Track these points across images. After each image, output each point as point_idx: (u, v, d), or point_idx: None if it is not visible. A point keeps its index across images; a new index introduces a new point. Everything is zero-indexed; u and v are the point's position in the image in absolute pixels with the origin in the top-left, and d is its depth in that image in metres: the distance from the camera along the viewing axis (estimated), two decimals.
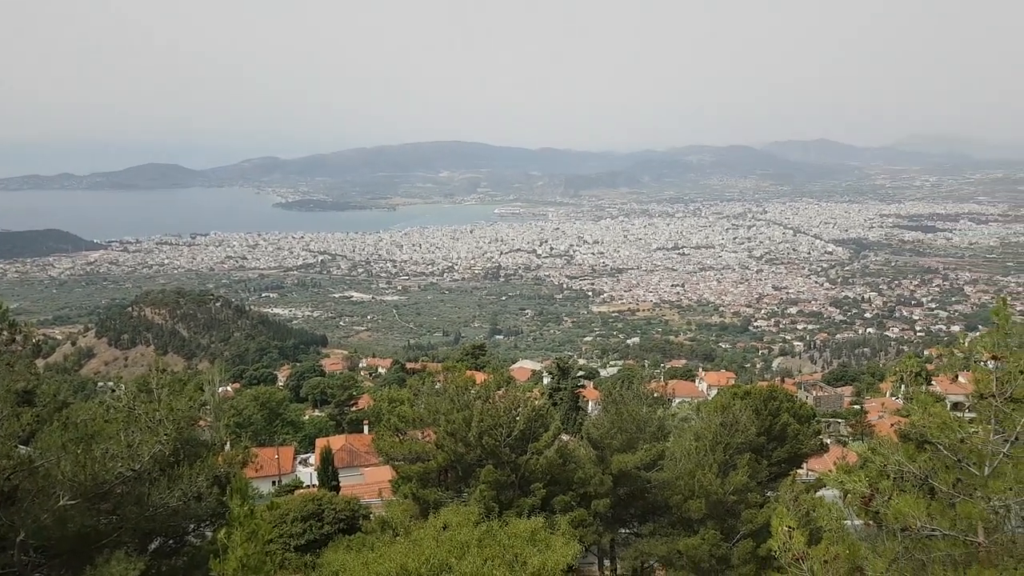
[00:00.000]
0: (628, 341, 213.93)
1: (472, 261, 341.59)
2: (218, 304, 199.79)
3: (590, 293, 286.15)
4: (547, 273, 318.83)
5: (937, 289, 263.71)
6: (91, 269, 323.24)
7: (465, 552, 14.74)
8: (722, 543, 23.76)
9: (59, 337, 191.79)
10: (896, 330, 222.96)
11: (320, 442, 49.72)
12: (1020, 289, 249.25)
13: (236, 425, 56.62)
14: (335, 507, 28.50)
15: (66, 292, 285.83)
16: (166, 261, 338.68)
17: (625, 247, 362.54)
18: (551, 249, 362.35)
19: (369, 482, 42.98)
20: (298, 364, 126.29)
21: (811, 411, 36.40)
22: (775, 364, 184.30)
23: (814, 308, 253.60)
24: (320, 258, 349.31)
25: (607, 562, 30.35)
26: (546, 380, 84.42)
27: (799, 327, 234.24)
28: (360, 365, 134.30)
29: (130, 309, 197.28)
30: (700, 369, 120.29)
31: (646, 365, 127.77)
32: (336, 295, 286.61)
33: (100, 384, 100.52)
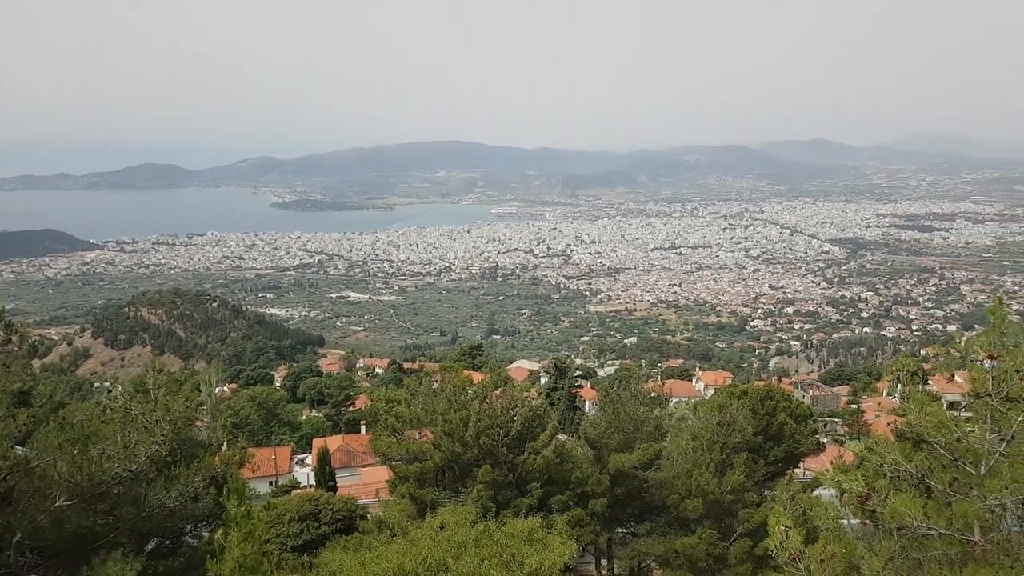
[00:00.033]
0: (625, 341, 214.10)
1: (469, 261, 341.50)
2: (215, 304, 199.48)
3: (587, 293, 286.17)
4: (544, 273, 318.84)
5: (933, 288, 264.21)
6: (87, 269, 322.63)
7: (462, 552, 14.74)
8: (719, 542, 23.79)
9: (55, 337, 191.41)
10: (893, 329, 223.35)
11: (317, 442, 49.70)
12: (1016, 288, 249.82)
13: (233, 425, 56.67)
14: (332, 507, 28.49)
15: (62, 292, 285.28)
16: (163, 261, 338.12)
17: (622, 247, 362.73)
18: (548, 249, 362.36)
19: (366, 482, 42.98)
20: (295, 364, 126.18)
21: (808, 410, 36.48)
22: (772, 364, 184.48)
23: (811, 308, 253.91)
24: (317, 258, 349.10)
25: (604, 561, 30.37)
26: (543, 380, 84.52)
27: (796, 327, 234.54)
28: (357, 365, 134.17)
29: (126, 309, 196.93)
30: (697, 369, 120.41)
31: (643, 365, 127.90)
32: (333, 295, 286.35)
33: (96, 385, 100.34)
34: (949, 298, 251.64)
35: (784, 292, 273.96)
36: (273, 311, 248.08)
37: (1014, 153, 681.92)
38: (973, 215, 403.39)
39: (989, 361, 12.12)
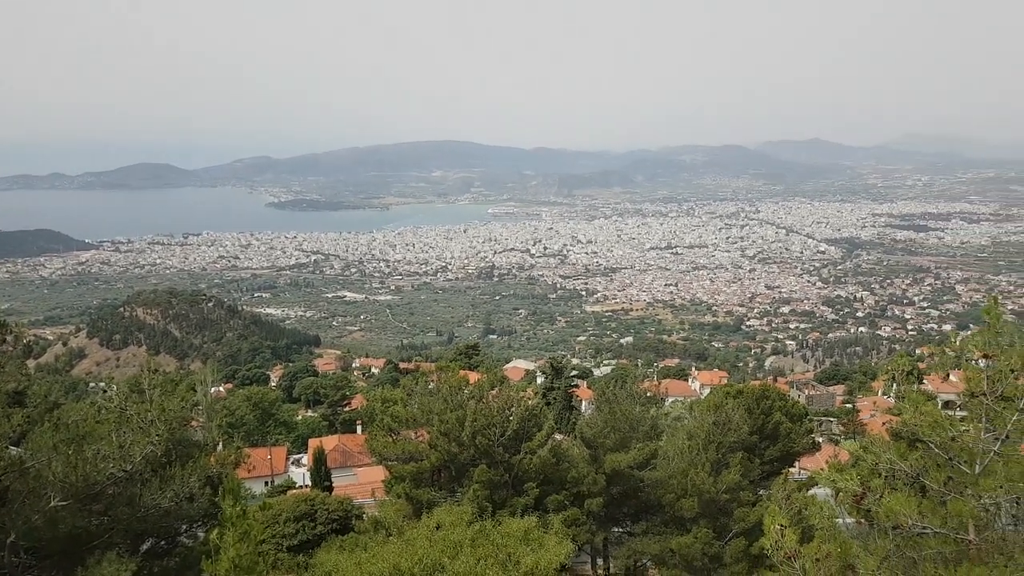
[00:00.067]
0: (621, 340, 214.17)
1: (466, 261, 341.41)
2: (210, 304, 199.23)
3: (583, 293, 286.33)
4: (541, 273, 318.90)
5: (929, 288, 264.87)
6: (82, 269, 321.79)
7: (458, 552, 14.74)
8: (715, 541, 23.83)
9: (50, 337, 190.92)
10: (888, 329, 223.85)
11: (313, 442, 49.64)
12: (1011, 288, 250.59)
13: (228, 425, 56.49)
14: (328, 507, 28.46)
15: (57, 292, 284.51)
16: (158, 261, 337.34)
17: (619, 247, 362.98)
18: (545, 249, 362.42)
19: (362, 482, 43.00)
20: (291, 364, 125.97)
21: (803, 410, 36.55)
22: (767, 363, 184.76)
23: (806, 307, 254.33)
24: (313, 258, 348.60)
25: (600, 561, 30.39)
26: (540, 380, 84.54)
27: (791, 326, 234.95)
28: (353, 365, 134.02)
29: (122, 309, 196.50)
30: (693, 368, 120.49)
31: (639, 364, 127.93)
32: (329, 295, 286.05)
33: (91, 385, 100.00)
34: (944, 298, 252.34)
35: (780, 292, 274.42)
36: (269, 311, 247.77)
37: (1009, 153, 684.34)
38: (969, 215, 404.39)
39: (984, 360, 12.15)
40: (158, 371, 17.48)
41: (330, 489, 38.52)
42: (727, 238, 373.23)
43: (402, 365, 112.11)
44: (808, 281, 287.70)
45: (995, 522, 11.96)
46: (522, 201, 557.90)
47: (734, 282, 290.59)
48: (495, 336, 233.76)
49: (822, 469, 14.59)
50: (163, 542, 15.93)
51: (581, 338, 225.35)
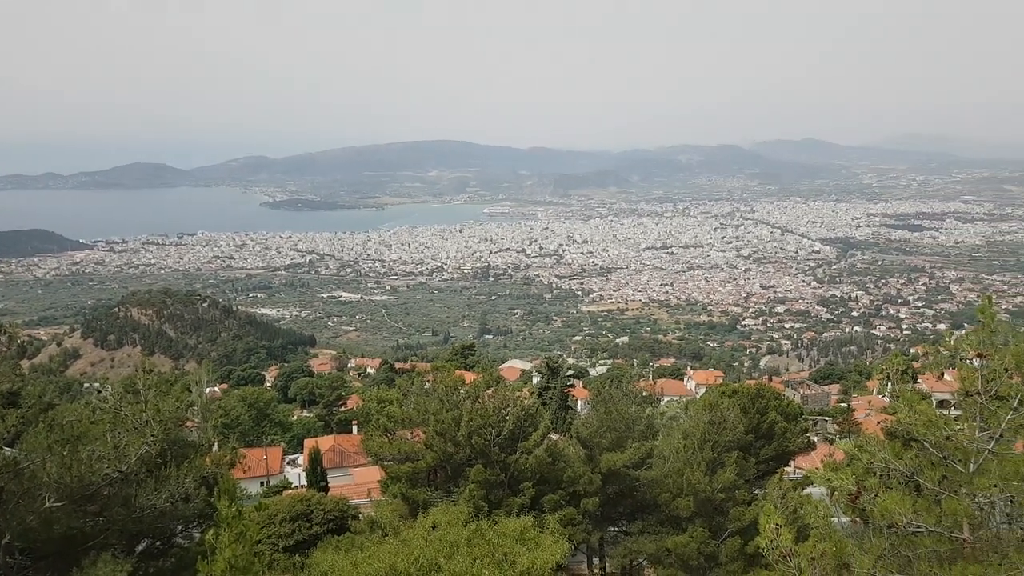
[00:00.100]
0: (617, 340, 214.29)
1: (461, 261, 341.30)
2: (205, 304, 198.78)
3: (579, 292, 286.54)
4: (536, 273, 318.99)
5: (923, 287, 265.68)
6: (77, 269, 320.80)
7: (454, 551, 14.74)
8: (710, 541, 23.87)
9: (44, 338, 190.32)
10: (883, 328, 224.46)
11: (308, 443, 49.63)
12: (1005, 287, 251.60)
13: (224, 426, 56.44)
14: (324, 508, 28.40)
15: (51, 292, 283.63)
16: (153, 261, 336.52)
17: (614, 246, 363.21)
18: (540, 249, 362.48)
19: (358, 482, 42.95)
20: (286, 364, 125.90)
21: (798, 409, 36.62)
22: (763, 362, 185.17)
23: (801, 307, 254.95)
24: (308, 258, 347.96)
25: (596, 560, 30.43)
26: (535, 379, 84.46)
27: (787, 326, 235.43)
28: (349, 365, 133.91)
29: (116, 309, 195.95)
30: (688, 368, 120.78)
31: (635, 364, 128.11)
32: (324, 295, 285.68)
33: (86, 385, 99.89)
34: (939, 297, 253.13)
35: (775, 291, 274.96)
36: (264, 311, 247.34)
37: (1003, 153, 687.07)
38: (963, 215, 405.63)
39: (978, 360, 12.19)
40: (153, 371, 17.43)
41: (326, 489, 38.47)
42: (722, 238, 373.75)
43: (398, 365, 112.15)
44: (803, 281, 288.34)
45: (989, 521, 11.99)
46: (518, 201, 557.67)
47: (729, 282, 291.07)
48: (491, 336, 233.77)
49: (817, 468, 14.63)
50: (159, 543, 15.91)
51: (577, 338, 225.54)
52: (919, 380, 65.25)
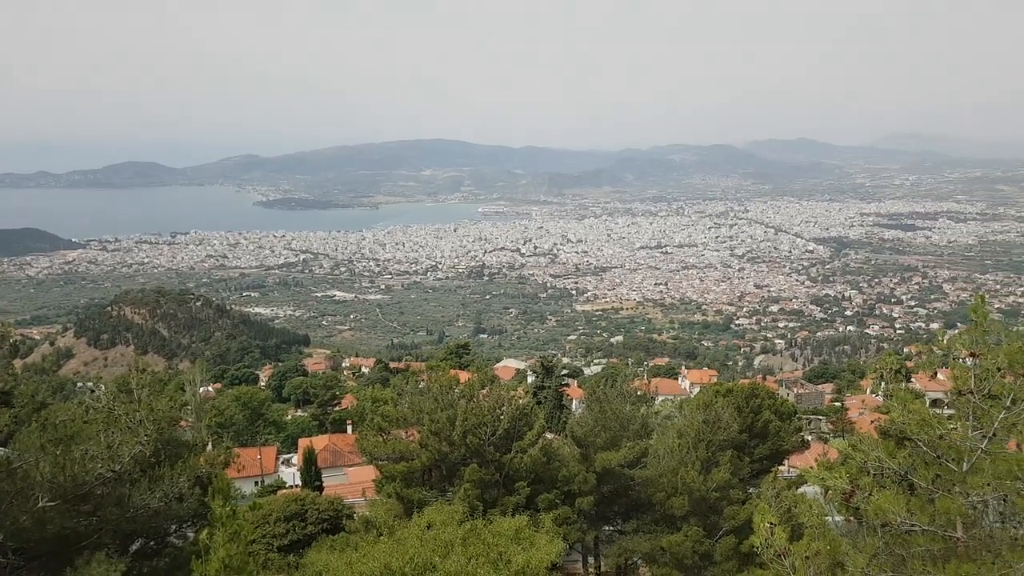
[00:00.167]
0: (612, 339, 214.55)
1: (456, 260, 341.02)
2: (199, 303, 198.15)
3: (574, 292, 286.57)
4: (531, 272, 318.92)
5: (916, 287, 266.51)
6: (69, 268, 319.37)
7: (449, 551, 14.73)
8: (705, 540, 23.91)
9: (37, 337, 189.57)
10: (876, 327, 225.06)
11: (303, 442, 49.51)
12: (998, 287, 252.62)
13: (218, 425, 56.29)
14: (318, 507, 28.38)
15: (44, 292, 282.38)
16: (146, 260, 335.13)
17: (609, 246, 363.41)
18: (535, 248, 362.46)
19: (352, 482, 42.90)
20: (280, 364, 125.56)
21: (792, 408, 36.74)
22: (757, 362, 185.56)
23: (795, 306, 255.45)
24: (302, 257, 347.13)
25: (591, 559, 30.46)
26: (530, 379, 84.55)
27: (780, 325, 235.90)
28: (343, 365, 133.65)
29: (109, 309, 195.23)
30: (683, 367, 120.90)
31: (629, 363, 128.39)
32: (318, 294, 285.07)
33: (79, 385, 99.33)
34: (932, 296, 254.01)
35: (769, 291, 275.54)
36: (258, 310, 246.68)
37: (996, 152, 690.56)
38: (956, 214, 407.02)
39: (971, 359, 12.24)
40: (146, 371, 17.39)
41: (320, 489, 38.44)
42: (716, 237, 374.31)
43: (392, 364, 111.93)
44: (797, 280, 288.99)
45: (983, 519, 12.04)
46: (512, 200, 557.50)
47: (723, 281, 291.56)
48: (485, 335, 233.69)
49: (811, 467, 14.67)
50: (152, 542, 15.85)
51: (571, 337, 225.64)
52: (912, 379, 65.52)
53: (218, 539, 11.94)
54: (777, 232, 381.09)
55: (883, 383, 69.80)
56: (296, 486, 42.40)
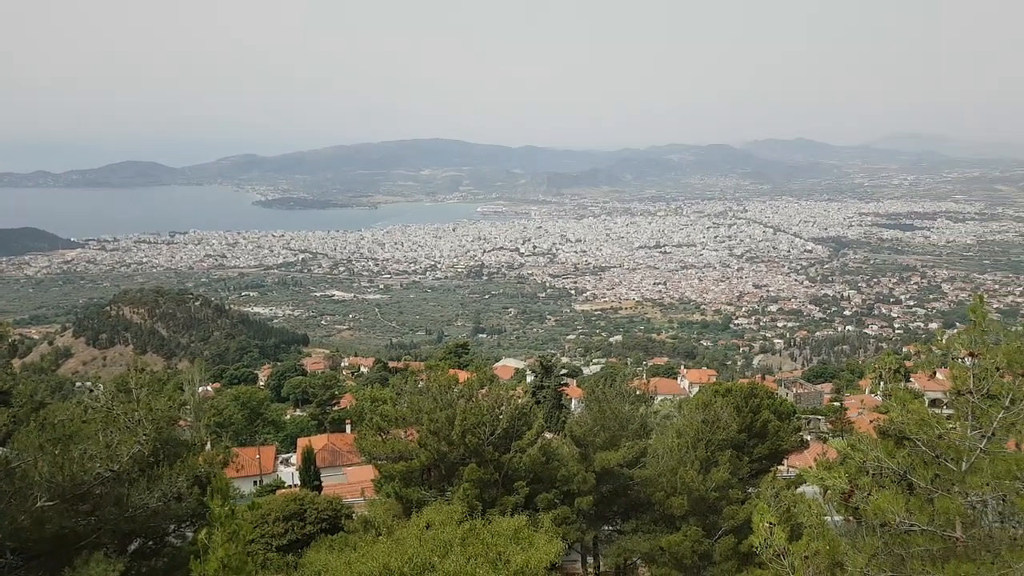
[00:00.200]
0: (611, 339, 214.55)
1: (455, 259, 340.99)
2: (198, 303, 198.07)
3: (573, 291, 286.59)
4: (530, 271, 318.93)
5: (915, 287, 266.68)
6: (68, 268, 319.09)
7: (448, 551, 14.72)
8: (704, 539, 23.91)
9: (36, 337, 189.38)
10: (875, 327, 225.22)
11: (302, 442, 49.49)
12: (996, 286, 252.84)
13: (216, 425, 56.24)
14: (317, 507, 28.36)
15: (43, 291, 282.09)
16: (144, 260, 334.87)
17: (607, 245, 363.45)
18: (534, 247, 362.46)
19: (351, 481, 42.90)
20: (279, 363, 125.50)
21: (791, 408, 36.79)
22: (756, 361, 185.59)
23: (794, 306, 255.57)
24: (301, 256, 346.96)
25: (590, 559, 30.47)
26: (529, 378, 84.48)
27: (779, 325, 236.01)
28: (342, 364, 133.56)
29: (108, 308, 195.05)
30: (682, 367, 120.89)
31: (628, 363, 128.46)
32: (317, 294, 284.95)
33: (78, 384, 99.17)
34: (931, 296, 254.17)
35: (767, 290, 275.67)
36: (257, 310, 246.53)
37: (994, 152, 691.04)
38: (954, 214, 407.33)
39: (970, 359, 12.24)
40: (145, 370, 17.37)
41: (319, 488, 38.43)
42: (715, 237, 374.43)
43: (391, 364, 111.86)
44: (795, 280, 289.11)
45: (982, 519, 12.04)
46: (511, 200, 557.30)
47: (722, 281, 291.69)
48: (484, 335, 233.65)
49: (810, 467, 14.67)
50: (151, 542, 15.84)
51: (570, 337, 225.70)
52: (911, 379, 65.53)
53: (217, 539, 11.92)
54: (776, 232, 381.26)
55: (882, 383, 69.85)
56: (295, 486, 42.39)
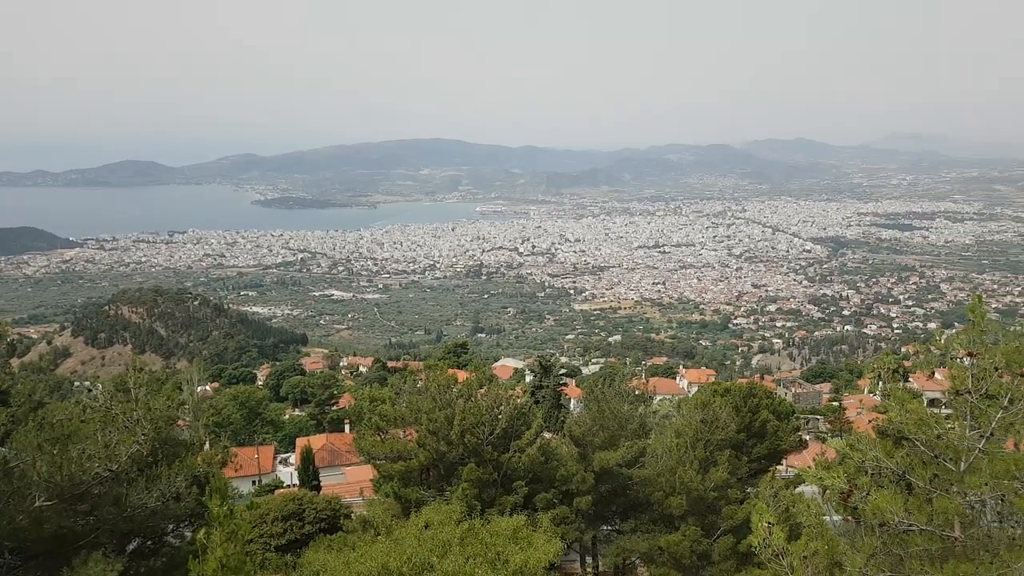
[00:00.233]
0: (610, 339, 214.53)
1: (454, 259, 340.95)
2: (196, 303, 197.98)
3: (572, 291, 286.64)
4: (529, 271, 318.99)
5: (914, 287, 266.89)
6: (67, 267, 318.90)
7: (447, 551, 14.72)
8: (703, 539, 23.91)
9: (34, 336, 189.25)
10: (874, 327, 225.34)
11: (301, 441, 49.49)
12: (995, 286, 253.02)
13: (215, 425, 56.24)
14: (316, 507, 28.36)
15: (41, 291, 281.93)
16: (143, 259, 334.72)
17: (607, 245, 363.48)
18: (533, 247, 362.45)
19: (350, 481, 42.87)
20: (278, 363, 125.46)
21: (790, 408, 36.80)
22: (754, 361, 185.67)
23: (793, 306, 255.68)
24: (300, 256, 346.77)
25: (589, 559, 30.46)
26: (528, 378, 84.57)
27: (778, 324, 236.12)
28: (341, 364, 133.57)
29: (107, 308, 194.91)
30: (681, 366, 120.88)
31: (627, 363, 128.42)
32: (316, 293, 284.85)
33: (76, 384, 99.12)
34: (929, 296, 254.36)
35: (766, 290, 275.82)
36: (255, 309, 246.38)
37: (993, 152, 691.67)
38: (953, 214, 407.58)
39: (969, 358, 12.25)
40: (144, 370, 17.36)
41: (318, 488, 38.43)
42: (714, 237, 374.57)
43: (390, 364, 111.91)
44: (794, 280, 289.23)
45: (980, 519, 12.05)
46: (510, 199, 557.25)
47: (721, 280, 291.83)
48: (484, 334, 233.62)
49: (809, 467, 14.68)
50: (150, 542, 15.83)
51: (569, 336, 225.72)
52: (910, 379, 65.62)
53: (215, 539, 11.90)
54: (775, 232, 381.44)
55: (881, 383, 69.94)
56: (294, 485, 42.40)
